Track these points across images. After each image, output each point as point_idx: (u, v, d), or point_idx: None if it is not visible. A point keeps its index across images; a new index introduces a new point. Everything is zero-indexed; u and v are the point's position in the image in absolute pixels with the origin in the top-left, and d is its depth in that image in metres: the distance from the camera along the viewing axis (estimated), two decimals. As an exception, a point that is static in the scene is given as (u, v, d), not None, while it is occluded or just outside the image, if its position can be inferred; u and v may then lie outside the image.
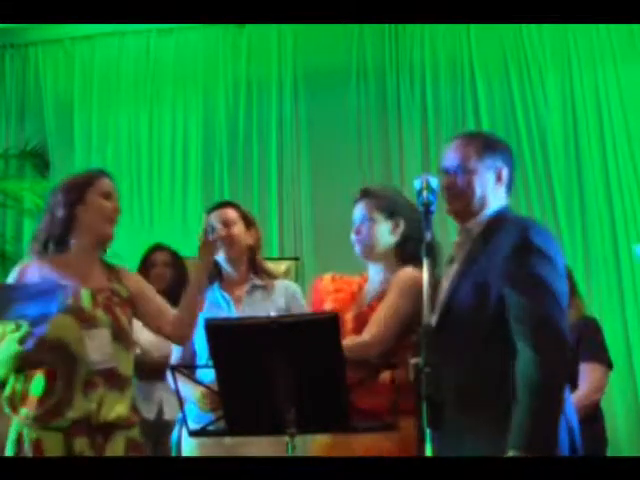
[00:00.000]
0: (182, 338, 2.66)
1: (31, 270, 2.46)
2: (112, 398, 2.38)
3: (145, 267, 3.95)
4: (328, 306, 2.67)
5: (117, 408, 2.39)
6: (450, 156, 2.19)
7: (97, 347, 2.36)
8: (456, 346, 1.99)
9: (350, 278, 2.79)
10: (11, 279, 2.47)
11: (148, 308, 2.58)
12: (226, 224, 2.96)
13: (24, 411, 2.36)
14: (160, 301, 2.66)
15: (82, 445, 2.34)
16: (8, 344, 2.28)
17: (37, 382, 2.36)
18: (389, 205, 2.63)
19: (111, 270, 2.57)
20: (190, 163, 5.52)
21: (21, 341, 2.24)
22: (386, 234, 2.63)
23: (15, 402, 2.38)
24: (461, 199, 2.13)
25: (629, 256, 4.78)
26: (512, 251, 1.99)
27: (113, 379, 2.40)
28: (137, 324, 3.67)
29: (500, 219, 2.12)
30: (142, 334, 3.66)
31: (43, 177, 5.50)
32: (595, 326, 3.52)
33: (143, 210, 5.50)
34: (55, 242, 2.47)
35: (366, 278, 2.74)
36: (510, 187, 2.22)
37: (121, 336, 2.45)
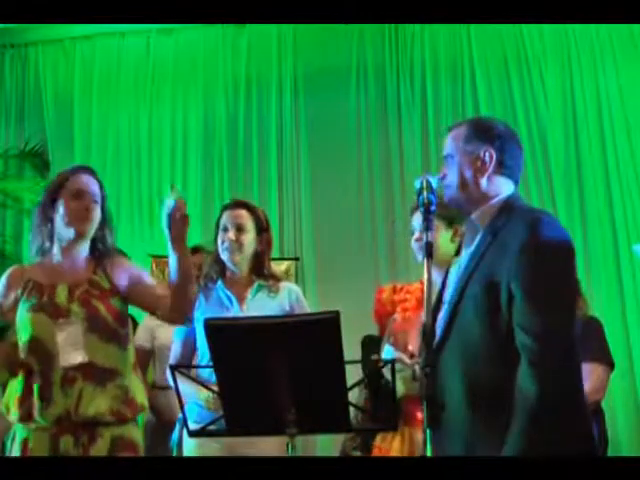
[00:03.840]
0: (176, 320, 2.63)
1: (15, 275, 2.53)
2: (91, 392, 2.36)
3: None
4: (399, 316, 2.88)
5: (96, 402, 2.36)
6: (445, 145, 2.14)
7: (68, 343, 2.36)
8: (464, 347, 1.92)
9: (410, 286, 2.96)
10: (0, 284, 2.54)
11: (144, 293, 2.55)
12: (239, 229, 2.98)
13: (9, 412, 2.40)
14: (155, 287, 2.64)
15: (67, 444, 2.34)
16: None
17: (18, 383, 2.40)
18: (449, 213, 2.66)
19: (100, 262, 2.55)
20: (190, 163, 5.52)
21: None
22: (447, 242, 2.74)
23: (7, 405, 2.42)
24: (452, 187, 2.06)
25: (629, 256, 4.78)
26: (520, 249, 1.88)
27: (91, 373, 2.38)
28: (156, 320, 3.63)
29: (506, 209, 2.02)
30: (160, 335, 3.64)
31: (43, 177, 5.50)
32: (597, 326, 3.51)
33: (143, 209, 5.50)
34: (39, 246, 2.54)
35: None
36: (513, 174, 2.08)
37: (98, 328, 2.42)
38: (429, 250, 1.86)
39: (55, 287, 2.46)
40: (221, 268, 3.03)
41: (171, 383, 2.37)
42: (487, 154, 2.04)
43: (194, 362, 3.02)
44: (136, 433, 2.49)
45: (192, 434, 2.30)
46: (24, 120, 5.76)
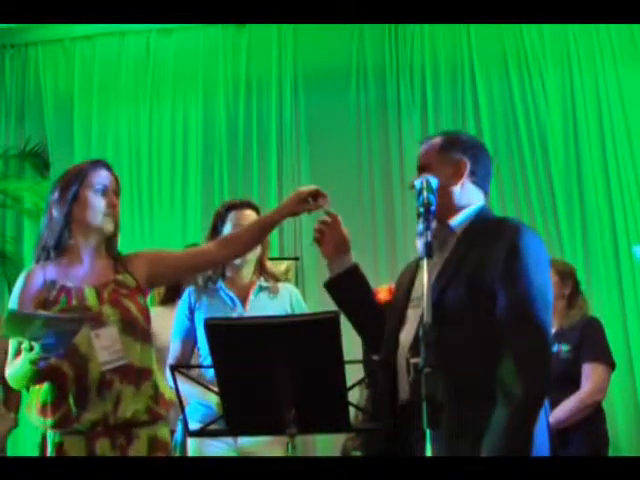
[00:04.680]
0: (224, 257, 2.61)
1: (36, 276, 2.41)
2: (128, 394, 2.32)
3: None
4: None
5: (134, 403, 2.33)
6: (419, 157, 2.23)
7: (105, 346, 2.31)
8: (445, 346, 1.96)
9: None
10: (18, 286, 2.42)
11: (172, 263, 2.54)
12: None
13: (41, 419, 2.34)
14: (178, 252, 2.66)
15: (104, 447, 2.30)
16: (23, 363, 2.24)
17: (47, 389, 2.33)
18: None
19: (119, 261, 2.49)
20: (190, 163, 5.52)
21: (33, 363, 2.20)
22: None
23: (33, 411, 2.36)
24: None
25: (629, 256, 4.78)
26: (506, 254, 1.99)
27: (128, 375, 2.33)
28: (155, 322, 3.62)
29: (482, 218, 2.13)
30: (161, 335, 3.65)
31: (43, 177, 5.51)
32: (598, 326, 3.52)
33: (143, 209, 5.50)
34: (55, 244, 2.42)
35: None
36: (484, 183, 2.19)
37: (132, 328, 2.38)
38: (429, 250, 1.87)
39: (82, 289, 2.38)
40: (222, 268, 3.02)
41: (171, 383, 2.37)
42: (461, 163, 2.15)
43: (194, 363, 3.02)
44: (167, 433, 2.46)
45: (192, 434, 2.30)
46: (24, 120, 5.76)
